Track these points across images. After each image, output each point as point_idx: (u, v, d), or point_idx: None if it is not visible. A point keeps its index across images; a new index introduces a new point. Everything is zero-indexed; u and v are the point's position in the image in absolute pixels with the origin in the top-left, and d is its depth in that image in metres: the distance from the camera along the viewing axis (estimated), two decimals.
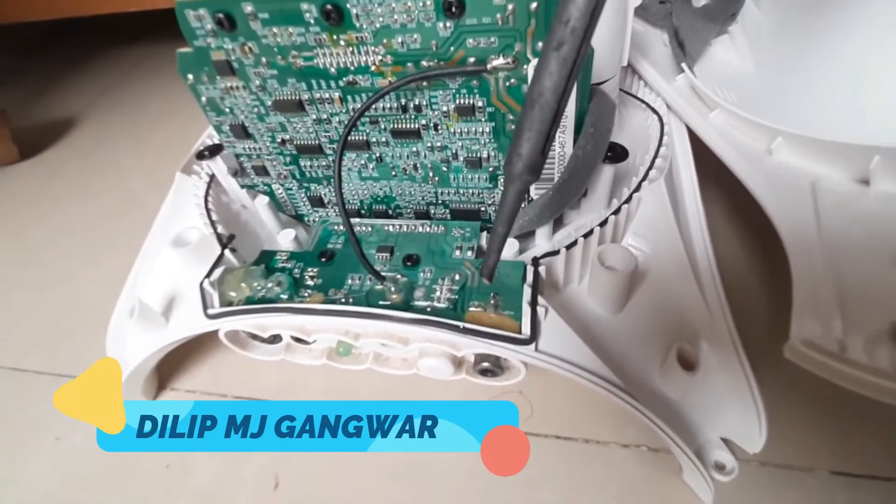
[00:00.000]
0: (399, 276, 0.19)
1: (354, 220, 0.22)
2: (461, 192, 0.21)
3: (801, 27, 0.26)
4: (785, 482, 0.18)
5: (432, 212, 0.23)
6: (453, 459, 0.20)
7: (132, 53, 0.61)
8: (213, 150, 0.22)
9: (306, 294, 0.19)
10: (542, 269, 0.17)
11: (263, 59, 0.18)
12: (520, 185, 0.13)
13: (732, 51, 0.26)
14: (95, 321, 0.26)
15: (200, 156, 0.22)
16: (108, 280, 0.30)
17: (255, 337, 0.20)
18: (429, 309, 0.18)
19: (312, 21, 0.16)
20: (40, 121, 0.50)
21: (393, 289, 0.18)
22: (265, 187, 0.24)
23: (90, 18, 0.52)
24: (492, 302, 0.17)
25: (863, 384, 0.11)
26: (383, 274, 0.19)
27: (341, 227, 0.22)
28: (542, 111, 0.12)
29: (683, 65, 0.23)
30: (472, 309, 0.17)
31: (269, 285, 0.19)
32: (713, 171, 0.22)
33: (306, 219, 0.25)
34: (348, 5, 0.16)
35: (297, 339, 0.20)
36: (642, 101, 0.24)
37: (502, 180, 0.20)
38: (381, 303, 0.18)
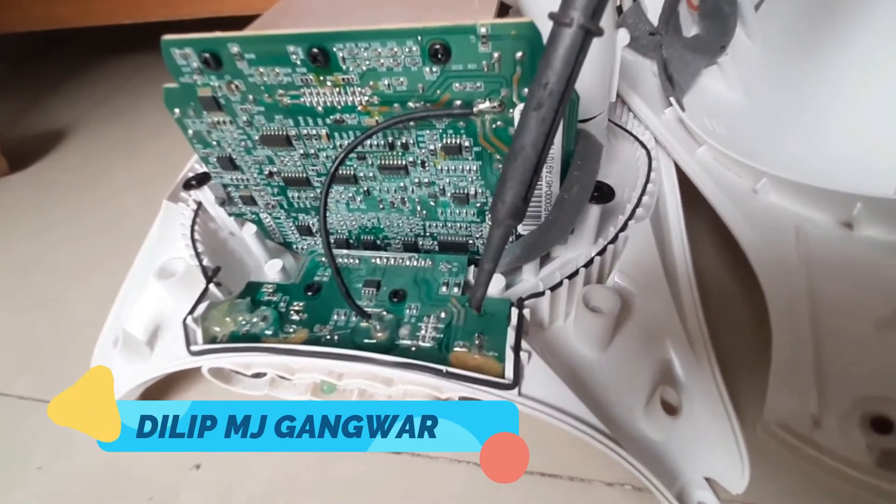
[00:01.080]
0: (384, 313, 0.19)
1: (342, 252, 0.22)
2: (449, 225, 0.21)
3: (792, 60, 0.26)
4: None
5: (420, 243, 0.23)
6: (441, 487, 0.20)
7: (126, 65, 0.61)
8: (201, 180, 0.22)
9: (291, 330, 0.19)
10: (526, 312, 0.17)
11: (250, 97, 0.18)
12: (504, 228, 0.14)
13: (722, 82, 0.26)
14: (84, 344, 0.26)
15: (188, 185, 0.22)
16: (98, 300, 0.30)
17: (239, 372, 0.20)
18: (413, 348, 0.18)
19: (299, 63, 0.16)
20: (31, 132, 0.49)
21: (378, 326, 0.18)
22: (253, 216, 0.23)
23: (84, 29, 0.52)
24: (476, 342, 0.17)
25: (833, 472, 0.11)
26: (369, 311, 0.19)
27: None
28: (524, 163, 0.12)
29: (672, 99, 0.23)
30: (456, 349, 0.17)
31: (254, 320, 0.19)
32: (704, 204, 0.22)
33: (294, 246, 0.25)
34: (334, 49, 0.16)
35: (282, 375, 0.20)
36: (631, 134, 0.24)
37: (489, 216, 0.20)
38: (365, 341, 0.18)
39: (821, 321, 0.14)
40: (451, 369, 0.16)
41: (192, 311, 0.19)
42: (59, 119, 0.51)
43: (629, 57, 0.27)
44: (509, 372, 0.16)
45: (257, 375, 0.21)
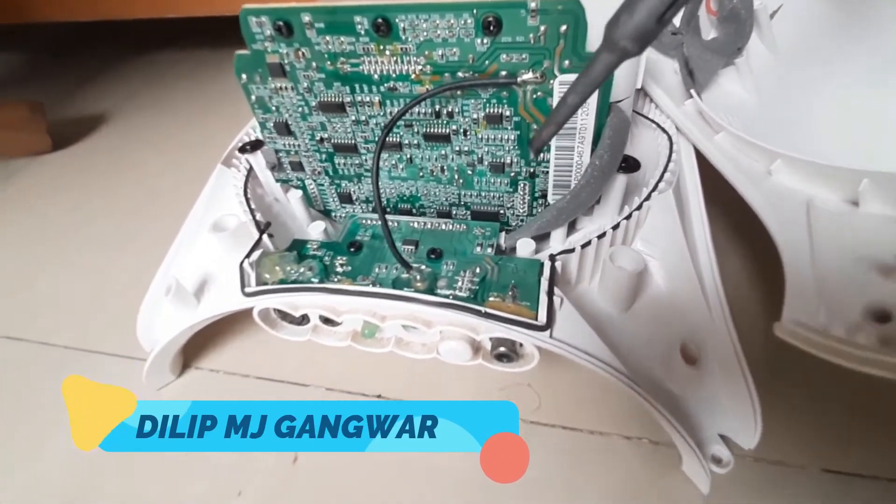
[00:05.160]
0: (423, 267, 0.20)
1: None
2: (483, 194, 0.23)
3: (802, 63, 0.28)
4: (778, 478, 0.19)
5: (454, 212, 0.24)
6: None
7: (160, 60, 0.64)
8: (254, 145, 0.24)
9: (336, 279, 0.21)
10: (557, 265, 0.19)
11: (314, 64, 0.20)
12: (615, 55, 0.11)
13: (738, 82, 0.28)
14: (122, 303, 0.28)
15: (242, 149, 0.24)
16: (131, 268, 0.32)
17: (284, 318, 0.22)
18: (451, 297, 0.19)
19: (363, 32, 0.18)
20: (73, 116, 0.52)
21: (418, 277, 0.20)
22: (299, 182, 0.25)
23: (124, 21, 0.55)
24: (510, 293, 0.19)
25: (845, 356, 0.12)
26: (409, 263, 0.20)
27: (369, 222, 0.24)
28: None
29: (692, 91, 0.25)
30: (491, 299, 0.19)
31: (302, 270, 0.21)
32: (711, 193, 0.24)
33: (334, 214, 0.27)
34: (397, 20, 0.18)
35: (325, 321, 0.21)
36: (653, 122, 0.26)
37: (522, 184, 0.22)
38: (406, 290, 0.20)
39: (828, 267, 0.15)
40: (488, 310, 0.18)
41: (248, 256, 0.20)
42: (98, 105, 0.54)
43: (652, 55, 0.29)
44: (542, 315, 0.18)
45: (301, 322, 0.22)
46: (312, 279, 0.21)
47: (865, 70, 0.26)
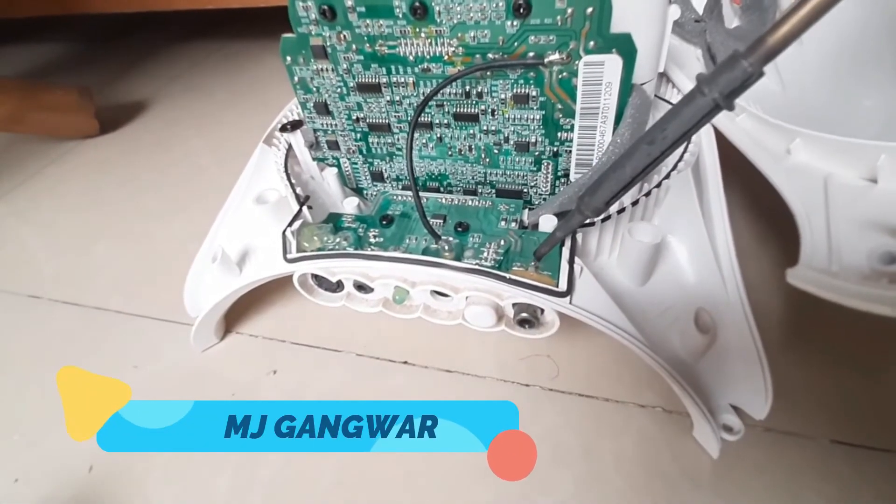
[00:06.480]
0: (451, 238, 0.22)
1: (410, 193, 0.25)
2: (508, 173, 0.24)
3: (826, 52, 0.28)
4: (787, 447, 0.20)
5: (479, 191, 0.26)
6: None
7: (200, 47, 0.67)
8: (294, 125, 0.26)
9: (369, 249, 0.22)
10: (578, 237, 0.20)
11: (354, 46, 0.21)
12: (583, 216, 0.17)
13: None
14: (169, 271, 0.30)
15: (283, 129, 0.26)
16: (179, 238, 0.34)
17: (320, 284, 0.23)
18: (477, 265, 0.20)
19: (401, 15, 0.20)
20: (118, 101, 0.55)
21: (446, 247, 0.21)
22: (334, 161, 0.27)
23: (163, 13, 0.57)
24: (533, 264, 0.20)
25: (857, 295, 0.13)
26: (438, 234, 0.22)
27: (399, 198, 0.25)
28: (619, 178, 0.15)
29: None
30: (515, 268, 0.20)
31: (338, 239, 0.23)
32: (728, 172, 0.24)
33: (365, 192, 0.28)
34: (433, 3, 0.19)
35: (358, 288, 0.23)
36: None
37: (546, 163, 0.23)
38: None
39: (844, 237, 0.16)
40: (513, 276, 0.19)
41: (290, 225, 0.22)
42: (141, 90, 0.57)
43: (675, 42, 0.29)
44: (563, 283, 0.19)
45: (336, 289, 0.24)
46: (348, 248, 0.22)
47: (891, 62, 0.26)
